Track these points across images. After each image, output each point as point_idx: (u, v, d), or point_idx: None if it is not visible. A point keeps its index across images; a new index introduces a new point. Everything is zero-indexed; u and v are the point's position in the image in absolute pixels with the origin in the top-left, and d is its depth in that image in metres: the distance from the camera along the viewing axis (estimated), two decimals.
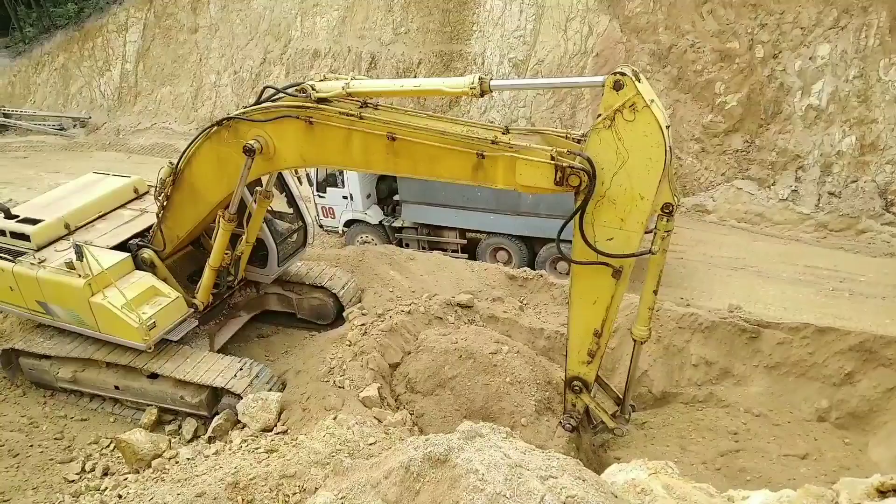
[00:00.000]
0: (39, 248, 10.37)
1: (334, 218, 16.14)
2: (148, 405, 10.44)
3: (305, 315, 12.35)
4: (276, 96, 8.57)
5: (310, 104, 8.15)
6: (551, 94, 19.28)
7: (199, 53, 27.72)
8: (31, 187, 23.05)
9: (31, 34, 33.20)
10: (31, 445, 10.07)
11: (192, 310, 10.47)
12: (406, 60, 22.69)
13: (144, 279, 10.13)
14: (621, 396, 8.60)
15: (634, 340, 8.10)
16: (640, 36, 17.85)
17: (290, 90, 8.36)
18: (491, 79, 6.95)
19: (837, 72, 15.50)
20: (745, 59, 16.42)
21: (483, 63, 20.97)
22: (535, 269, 13.36)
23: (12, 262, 10.26)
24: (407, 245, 15.56)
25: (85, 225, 10.96)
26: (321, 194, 15.93)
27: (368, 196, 15.69)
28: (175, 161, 9.83)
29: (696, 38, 16.97)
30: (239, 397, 9.63)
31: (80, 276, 9.66)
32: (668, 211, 6.91)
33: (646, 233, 6.92)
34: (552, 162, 6.82)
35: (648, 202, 6.68)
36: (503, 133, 7.27)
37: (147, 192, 12.00)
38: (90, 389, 10.86)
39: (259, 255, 11.34)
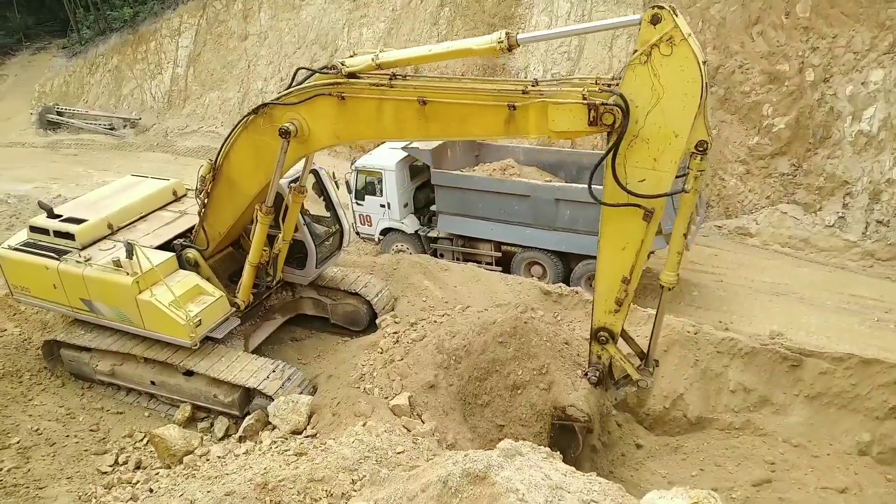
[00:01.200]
0: (84, 247, 10.57)
1: (371, 225, 16.24)
2: (182, 402, 10.62)
3: (339, 320, 12.43)
4: (309, 77, 8.81)
5: (340, 80, 8.35)
6: None
7: (247, 60, 28.30)
8: (80, 184, 23.72)
9: (88, 36, 34.30)
10: (68, 436, 10.31)
11: (234, 309, 10.66)
12: (449, 72, 22.81)
13: (189, 278, 10.34)
14: (645, 351, 8.46)
15: (662, 287, 7.87)
16: None
17: (321, 70, 8.65)
18: (518, 33, 7.11)
19: (890, 98, 15.08)
20: (795, 81, 16.09)
21: (526, 77, 20.96)
22: (570, 286, 13.23)
23: (57, 259, 10.47)
24: (441, 255, 15.57)
25: (127, 225, 11.21)
26: (359, 202, 16.06)
27: (406, 205, 15.76)
28: (214, 157, 10.04)
29: (745, 59, 16.69)
30: (270, 399, 9.72)
31: (127, 273, 9.86)
32: (701, 149, 6.73)
33: (677, 177, 6.89)
34: (585, 102, 6.74)
35: (683, 140, 6.59)
36: (532, 85, 7.27)
37: (185, 195, 12.26)
38: (127, 383, 11.08)
39: (296, 256, 11.49)
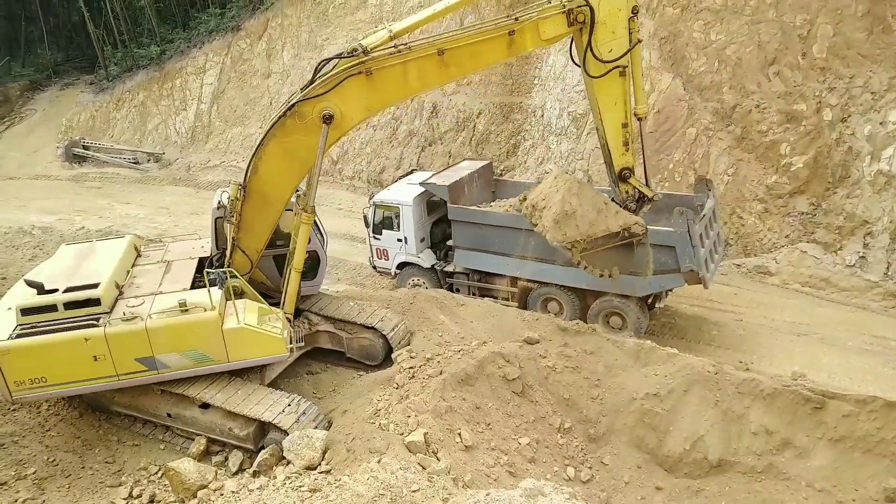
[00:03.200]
0: (110, 310, 10.14)
1: (388, 259, 16.30)
2: (197, 434, 10.60)
3: (354, 354, 12.44)
4: (324, 64, 10.24)
5: (364, 58, 9.91)
6: None
7: (270, 97, 28.92)
8: (103, 216, 24.17)
9: (115, 72, 35.34)
10: (83, 467, 10.33)
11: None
12: (466, 110, 23.13)
13: (248, 303, 10.65)
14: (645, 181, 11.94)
15: (640, 119, 11.28)
16: (703, 94, 17.77)
17: (342, 56, 10.09)
18: None
19: None
20: (813, 121, 16.10)
21: (542, 115, 21.20)
22: (587, 323, 13.13)
23: (96, 325, 9.82)
24: (457, 290, 15.55)
25: (125, 283, 11.11)
26: (377, 236, 16.15)
27: (422, 240, 15.82)
28: (241, 178, 10.61)
29: (762, 99, 16.77)
30: (285, 433, 9.70)
31: (205, 310, 9.95)
32: (635, 12, 10.43)
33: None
34: (563, 11, 10.12)
35: (626, 11, 10.30)
36: (516, 17, 10.26)
37: (140, 255, 12.31)
38: (144, 415, 11.09)
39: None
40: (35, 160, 32.78)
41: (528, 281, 14.91)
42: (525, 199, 12.56)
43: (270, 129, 10.27)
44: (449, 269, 15.72)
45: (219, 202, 12.29)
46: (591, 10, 10.03)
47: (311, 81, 10.15)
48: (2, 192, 28.50)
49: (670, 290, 14.05)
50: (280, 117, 10.16)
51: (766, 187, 16.70)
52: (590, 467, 10.22)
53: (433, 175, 16.02)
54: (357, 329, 12.36)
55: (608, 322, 13.91)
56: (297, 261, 10.94)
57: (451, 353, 11.43)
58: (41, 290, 10.11)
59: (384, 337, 12.09)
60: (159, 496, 9.59)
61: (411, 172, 17.96)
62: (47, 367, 9.78)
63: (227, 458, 10.31)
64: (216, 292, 10.20)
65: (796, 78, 16.35)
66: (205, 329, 9.94)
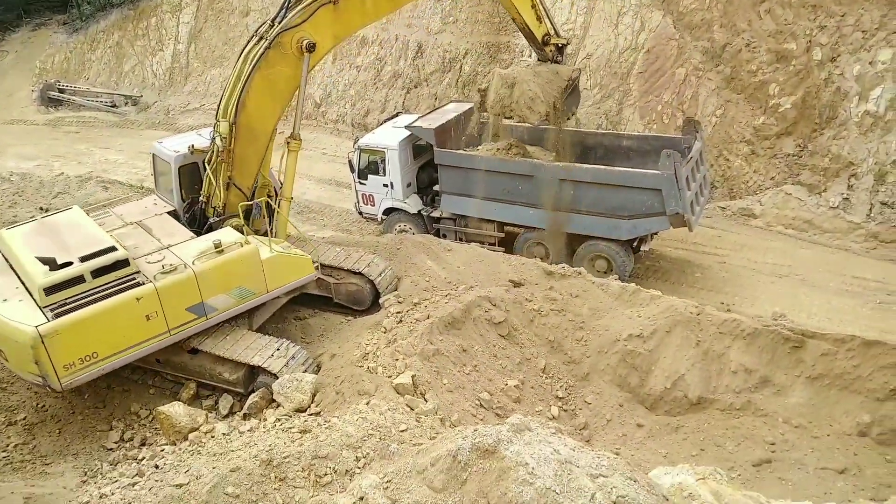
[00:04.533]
0: (138, 269, 9.91)
1: (374, 205, 16.21)
2: (187, 379, 10.69)
3: (342, 300, 12.48)
4: None
5: None
6: (598, 90, 19.02)
7: (248, 36, 28.07)
8: (82, 162, 23.71)
9: (88, 12, 34.06)
10: (73, 412, 10.41)
11: None
12: (452, 50, 22.64)
13: (260, 237, 11.15)
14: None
15: None
16: (693, 33, 17.47)
17: None
18: None
19: None
20: (802, 61, 15.93)
21: (531, 55, 20.74)
22: (573, 266, 13.22)
23: (141, 284, 9.56)
24: (444, 236, 15.55)
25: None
26: (362, 181, 16.00)
27: (409, 185, 15.71)
28: (228, 115, 11.00)
29: (752, 38, 16.52)
30: (275, 377, 9.81)
31: (241, 245, 10.39)
32: None
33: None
34: None
35: None
36: None
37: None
38: (133, 361, 11.11)
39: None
40: (10, 104, 31.86)
41: (515, 226, 14.93)
42: (482, 103, 14.56)
43: (254, 65, 10.75)
44: (436, 214, 15.67)
45: (190, 147, 12.01)
46: None
47: (282, 13, 10.88)
48: None
49: (655, 234, 14.14)
50: (265, 49, 10.73)
51: (753, 129, 16.64)
52: (573, 407, 10.47)
53: (419, 118, 15.79)
54: (344, 275, 12.37)
55: (594, 265, 14.02)
56: (287, 189, 11.63)
57: (438, 297, 11.52)
58: (54, 265, 9.37)
59: (371, 282, 12.12)
60: (150, 439, 9.72)
61: (396, 115, 17.68)
62: (98, 340, 9.23)
63: (217, 402, 10.44)
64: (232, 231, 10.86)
65: (787, 16, 16.09)
66: (246, 263, 10.29)
